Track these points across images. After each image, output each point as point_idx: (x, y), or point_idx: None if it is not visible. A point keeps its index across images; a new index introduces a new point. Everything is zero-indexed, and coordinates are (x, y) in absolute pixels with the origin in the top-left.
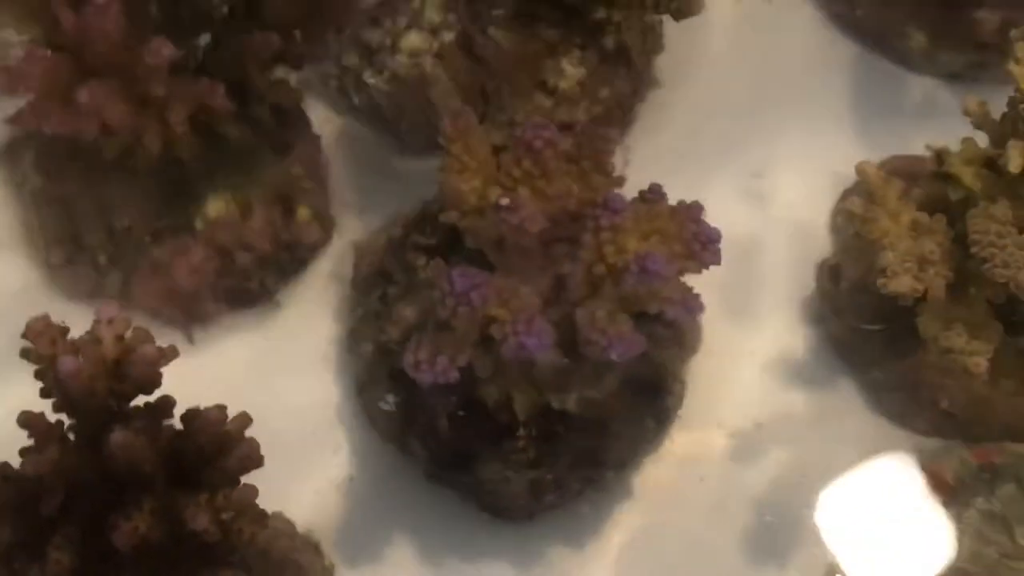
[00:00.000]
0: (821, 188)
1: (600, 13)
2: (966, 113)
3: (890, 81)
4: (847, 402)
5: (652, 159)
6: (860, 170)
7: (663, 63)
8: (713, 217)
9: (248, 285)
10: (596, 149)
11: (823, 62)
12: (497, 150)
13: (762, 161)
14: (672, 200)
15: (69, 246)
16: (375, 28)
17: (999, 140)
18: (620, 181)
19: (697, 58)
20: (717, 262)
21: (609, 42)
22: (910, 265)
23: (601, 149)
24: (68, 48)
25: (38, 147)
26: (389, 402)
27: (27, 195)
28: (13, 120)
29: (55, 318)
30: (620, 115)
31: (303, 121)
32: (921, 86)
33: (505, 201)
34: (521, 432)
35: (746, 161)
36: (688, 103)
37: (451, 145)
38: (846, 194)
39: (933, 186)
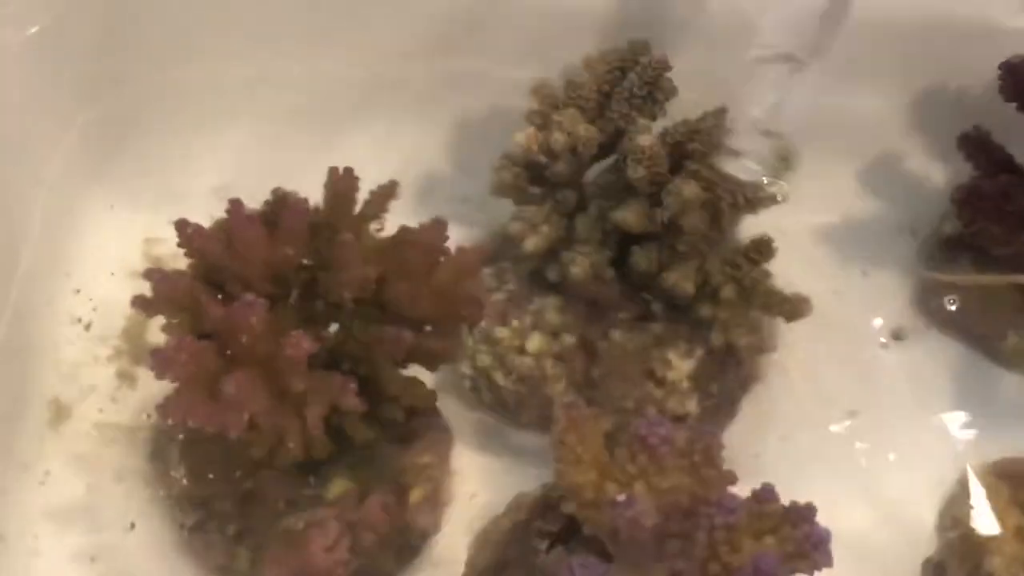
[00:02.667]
0: (925, 486)
1: (705, 311)
2: None
3: (993, 380)
4: None
5: (754, 453)
6: (968, 472)
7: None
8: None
9: (371, 567)
10: (707, 444)
11: (923, 359)
12: (609, 435)
13: (867, 457)
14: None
15: (200, 511)
16: (503, 327)
17: None
18: (732, 478)
19: (794, 350)
20: (829, 564)
21: (717, 338)
22: (1016, 571)
23: (712, 444)
24: (214, 338)
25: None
26: None
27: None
28: (160, 411)
29: None
30: (729, 409)
31: (435, 415)
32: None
33: (621, 497)
34: None
35: (851, 458)
36: (789, 397)
37: (565, 436)
38: (952, 500)
39: None
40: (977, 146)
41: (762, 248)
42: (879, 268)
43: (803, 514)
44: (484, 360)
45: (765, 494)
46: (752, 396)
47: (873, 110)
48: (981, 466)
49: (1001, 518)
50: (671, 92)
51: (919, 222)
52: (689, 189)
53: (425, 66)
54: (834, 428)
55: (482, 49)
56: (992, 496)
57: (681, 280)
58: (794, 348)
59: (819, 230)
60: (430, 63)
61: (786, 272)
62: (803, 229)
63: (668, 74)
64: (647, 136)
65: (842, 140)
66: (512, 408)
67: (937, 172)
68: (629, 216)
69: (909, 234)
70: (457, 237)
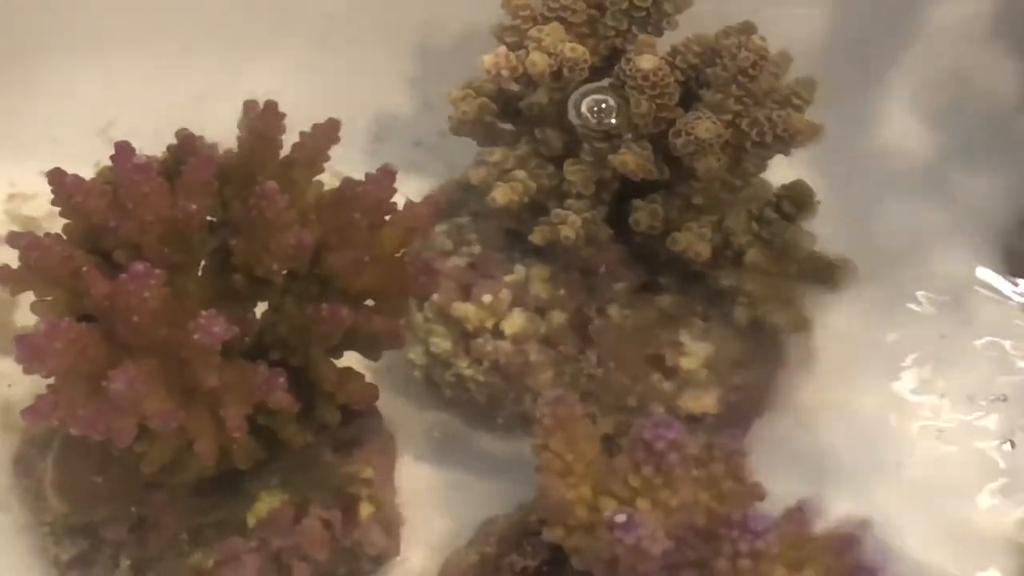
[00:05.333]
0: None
1: (727, 280)
2: None
3: None
4: None
5: (790, 460)
6: None
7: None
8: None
9: None
10: (728, 450)
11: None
12: (607, 439)
13: (941, 462)
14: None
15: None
16: (466, 303)
17: None
18: (760, 492)
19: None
20: None
21: (741, 314)
22: None
23: (735, 450)
24: (98, 321)
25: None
26: None
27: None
28: (29, 414)
29: None
30: (758, 405)
31: (375, 416)
32: None
33: (620, 517)
34: None
35: (919, 464)
36: (835, 388)
37: (550, 440)
38: None
39: None
40: None
41: (800, 198)
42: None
43: (851, 538)
44: (442, 345)
45: (802, 513)
46: (787, 388)
47: None
48: None
49: None
50: (683, 1)
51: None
52: (705, 127)
53: None
54: (892, 426)
55: None
56: None
57: (695, 241)
58: (842, 325)
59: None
60: None
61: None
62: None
63: None
64: (650, 58)
65: None
66: (482, 405)
67: None
68: (629, 160)
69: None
70: (407, 190)
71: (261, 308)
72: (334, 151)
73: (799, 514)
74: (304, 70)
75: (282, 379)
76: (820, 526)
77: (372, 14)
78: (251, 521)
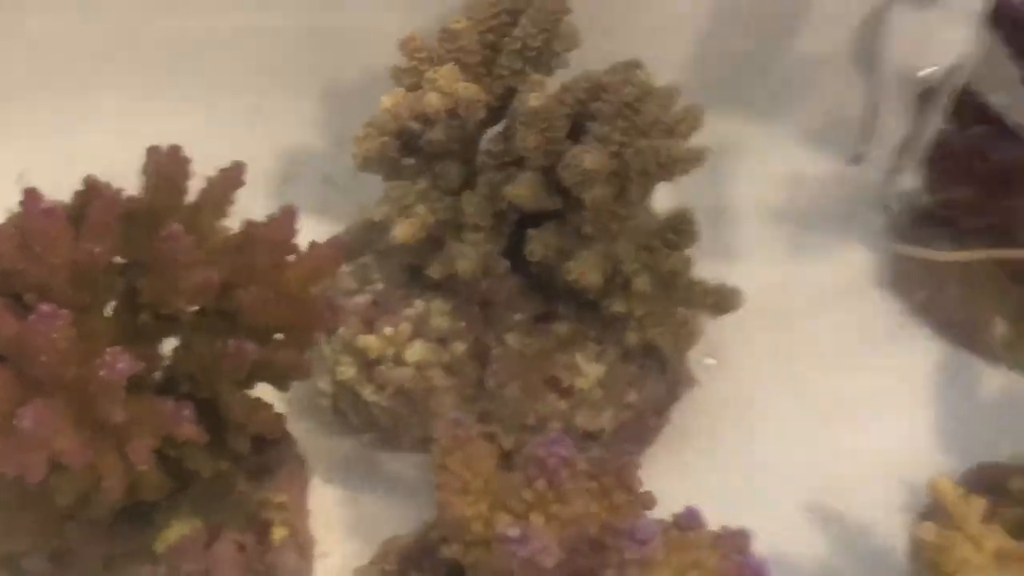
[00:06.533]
0: (893, 504)
1: (618, 306)
2: None
3: (974, 376)
4: None
5: (686, 472)
6: (935, 488)
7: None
8: (764, 541)
9: None
10: (619, 463)
11: (896, 354)
12: (508, 457)
13: (824, 471)
14: (713, 524)
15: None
16: (370, 335)
17: None
18: (649, 501)
19: (741, 346)
20: None
21: (631, 338)
22: None
23: (625, 463)
24: (7, 359)
25: None
26: None
27: None
28: None
29: None
30: (655, 421)
31: (287, 443)
32: (1010, 382)
33: (514, 532)
34: None
35: (805, 472)
36: (728, 405)
37: (447, 458)
38: (923, 518)
39: None
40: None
41: (682, 227)
42: (843, 248)
43: (735, 542)
44: (347, 373)
45: (688, 519)
46: (682, 405)
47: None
48: (956, 476)
49: (975, 539)
50: (571, 41)
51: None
52: (591, 159)
53: (272, 17)
54: (783, 438)
55: None
56: (966, 513)
57: (586, 270)
58: (736, 345)
59: (768, 204)
60: (279, 13)
61: (730, 255)
62: (749, 203)
63: (568, 18)
64: (539, 95)
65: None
66: (387, 429)
67: None
68: (522, 191)
69: (880, 208)
70: (318, 230)
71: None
72: (246, 192)
73: (685, 521)
74: (212, 114)
75: (188, 412)
76: (706, 532)
77: (278, 57)
78: (160, 548)
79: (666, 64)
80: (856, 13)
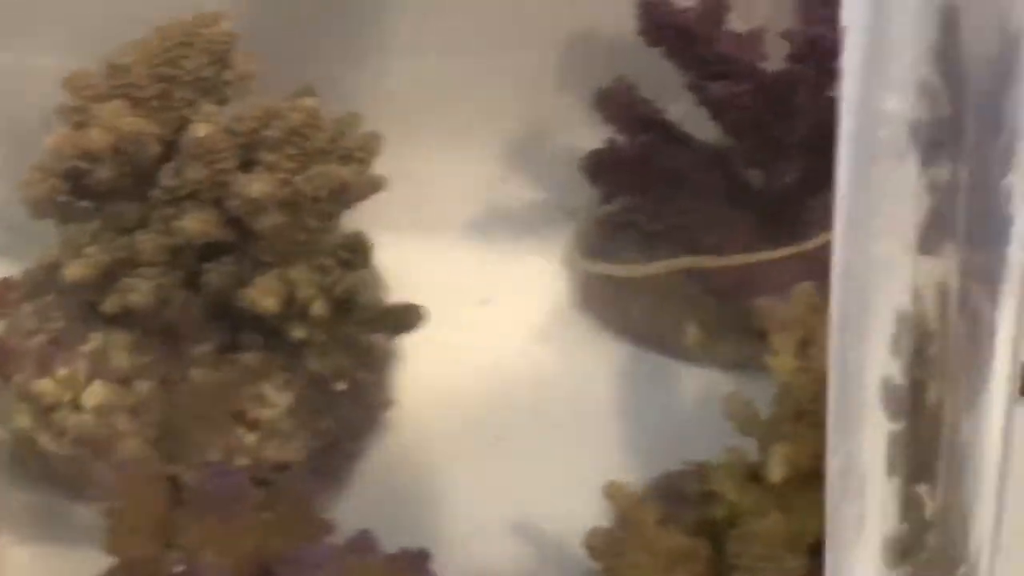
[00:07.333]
0: (583, 513)
1: (299, 332)
2: (728, 416)
3: (668, 379)
4: None
5: (387, 495)
6: (608, 494)
7: (399, 379)
8: (447, 560)
9: None
10: (294, 491)
11: (592, 368)
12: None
13: (512, 483)
14: (393, 547)
15: None
16: (45, 379)
17: (766, 444)
18: (327, 527)
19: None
20: None
21: (314, 364)
22: None
23: (300, 490)
24: None
25: None
26: None
27: None
28: None
29: None
30: (350, 448)
31: None
32: (702, 380)
33: (179, 568)
34: None
35: (498, 490)
36: (425, 428)
37: (116, 503)
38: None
39: (702, 505)
40: (618, 103)
41: (356, 247)
42: (529, 261)
43: (412, 562)
44: (23, 421)
45: (362, 542)
46: (382, 429)
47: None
48: (643, 484)
49: (649, 543)
50: (246, 71)
51: (579, 200)
52: (257, 187)
53: None
54: (478, 457)
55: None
56: (641, 517)
57: (260, 296)
58: (427, 366)
59: (453, 220)
60: None
61: (418, 277)
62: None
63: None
64: (205, 124)
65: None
66: (69, 479)
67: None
68: (191, 225)
69: (566, 216)
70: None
71: None
72: None
73: (359, 543)
74: None
75: None
76: (381, 555)
77: None
78: None
79: None
80: None
